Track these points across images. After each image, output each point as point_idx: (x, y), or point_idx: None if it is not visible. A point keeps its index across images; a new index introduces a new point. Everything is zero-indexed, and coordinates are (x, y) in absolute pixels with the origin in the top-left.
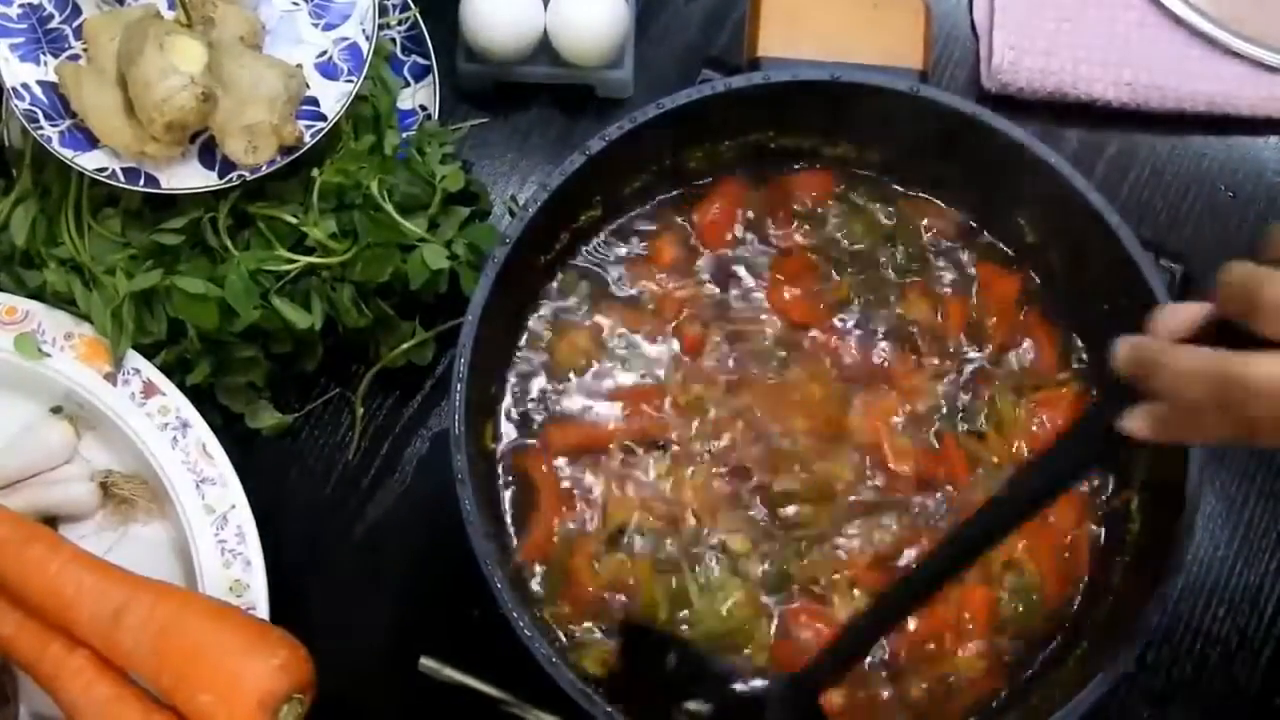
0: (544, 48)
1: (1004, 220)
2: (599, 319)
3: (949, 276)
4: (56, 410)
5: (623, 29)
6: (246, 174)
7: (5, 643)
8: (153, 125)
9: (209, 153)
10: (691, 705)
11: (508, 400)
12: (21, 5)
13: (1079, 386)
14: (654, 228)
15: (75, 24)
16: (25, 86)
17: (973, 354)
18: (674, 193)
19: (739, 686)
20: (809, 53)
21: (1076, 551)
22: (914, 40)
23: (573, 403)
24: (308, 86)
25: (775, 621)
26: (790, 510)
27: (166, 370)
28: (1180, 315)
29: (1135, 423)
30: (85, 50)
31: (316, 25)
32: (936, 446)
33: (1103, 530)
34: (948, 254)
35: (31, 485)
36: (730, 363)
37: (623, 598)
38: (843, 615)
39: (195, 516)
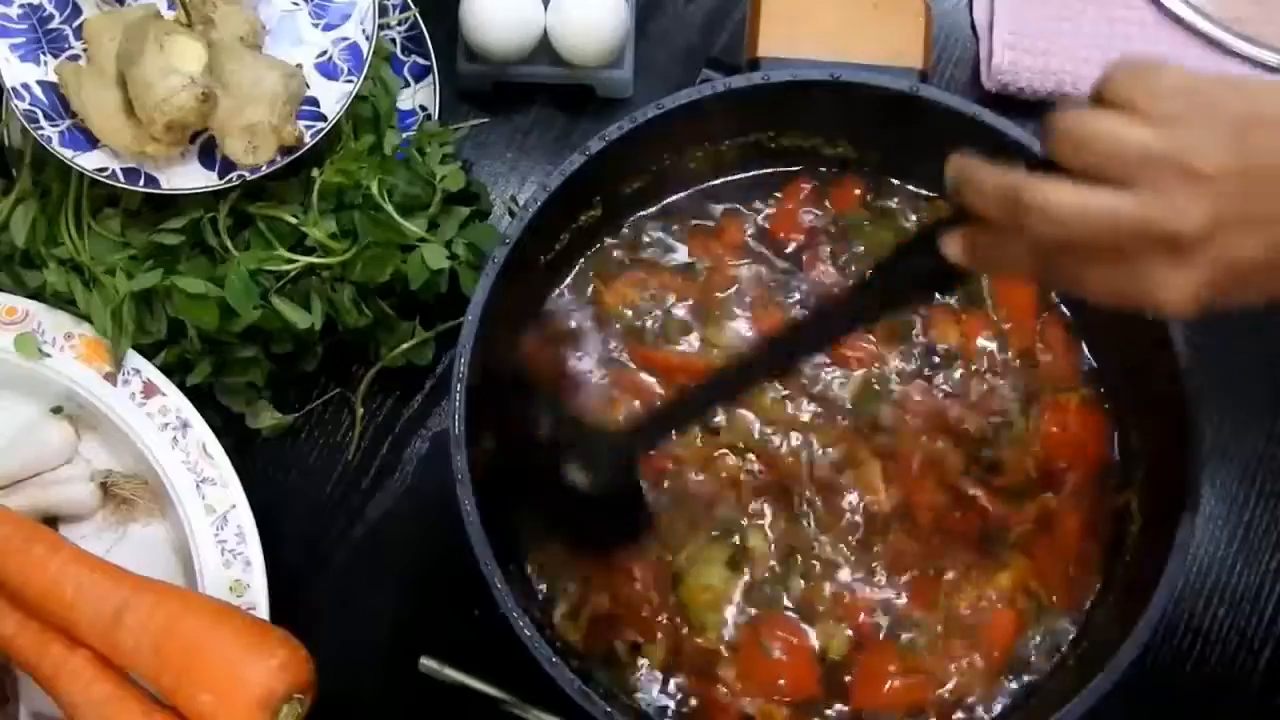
0: (544, 48)
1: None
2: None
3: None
4: (56, 410)
5: (623, 29)
6: (246, 174)
7: (5, 643)
8: (153, 125)
9: (209, 153)
10: (571, 470)
11: None
12: (21, 5)
13: (1088, 392)
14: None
15: (75, 24)
16: (25, 86)
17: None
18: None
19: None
20: (809, 53)
21: (1083, 566)
22: (914, 40)
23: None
24: (308, 86)
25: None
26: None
27: (166, 370)
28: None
29: (952, 246)
30: (85, 50)
31: (316, 25)
32: (970, 494)
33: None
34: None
35: (31, 485)
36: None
37: None
38: (815, 643)
39: (195, 516)
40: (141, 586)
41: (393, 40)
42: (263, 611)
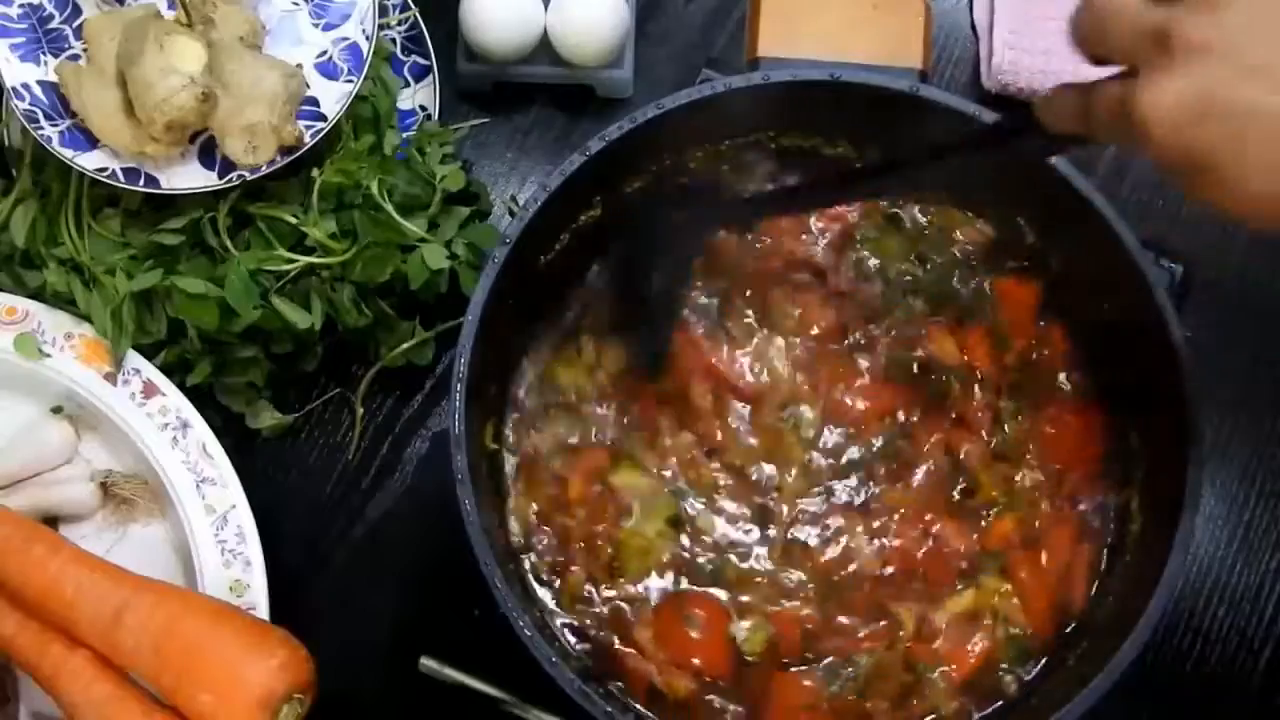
0: (544, 48)
1: (1008, 222)
2: None
3: (964, 292)
4: (56, 410)
5: (623, 29)
6: (246, 174)
7: (5, 643)
8: (153, 125)
9: (209, 153)
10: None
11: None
12: (21, 5)
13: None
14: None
15: (75, 24)
16: (25, 86)
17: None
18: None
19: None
20: (809, 53)
21: (1072, 579)
22: (914, 40)
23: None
24: (308, 86)
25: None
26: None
27: (166, 370)
28: None
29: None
30: (85, 50)
31: (316, 25)
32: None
33: (1104, 541)
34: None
35: (32, 485)
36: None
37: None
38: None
39: (195, 516)
40: (141, 586)
41: (393, 40)
42: (263, 611)
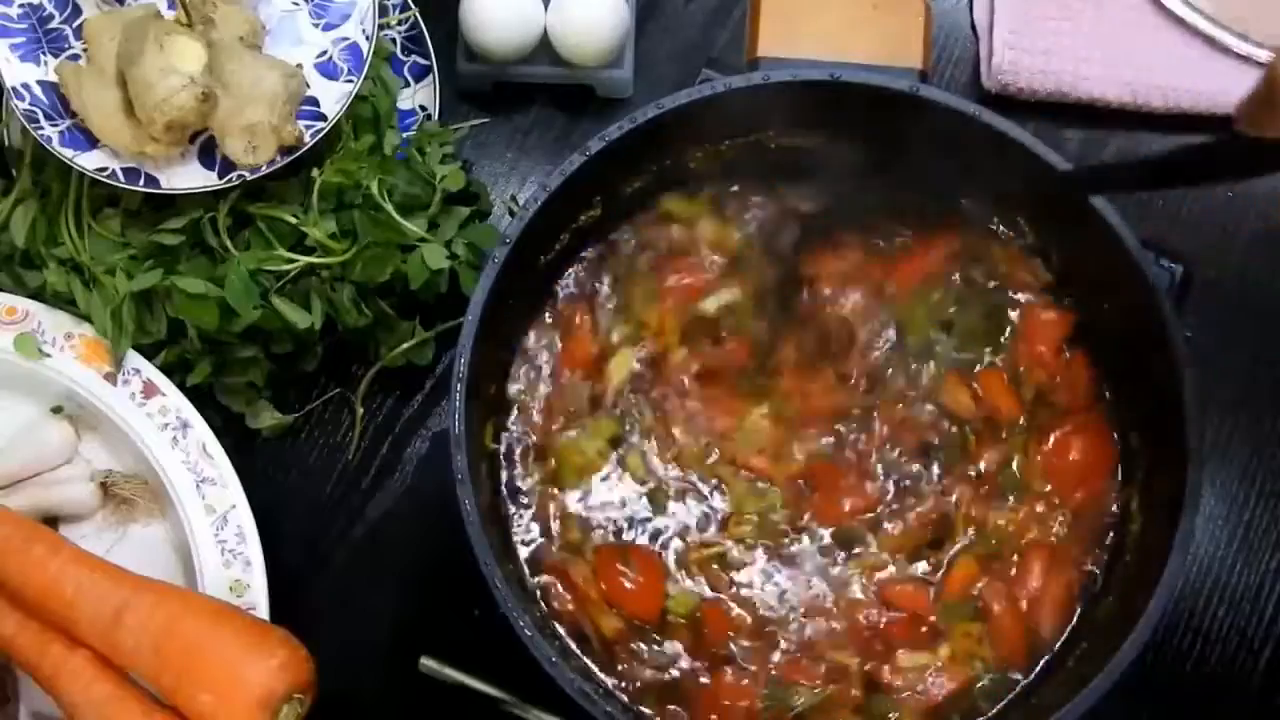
0: (544, 48)
1: (1008, 222)
2: None
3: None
4: (56, 410)
5: (623, 29)
6: (246, 174)
7: (5, 643)
8: (153, 125)
9: (209, 153)
10: None
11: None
12: (21, 5)
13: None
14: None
15: (75, 24)
16: (25, 86)
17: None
18: None
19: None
20: (809, 53)
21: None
22: (914, 40)
23: None
24: (308, 86)
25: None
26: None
27: (166, 370)
28: None
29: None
30: (85, 50)
31: (316, 25)
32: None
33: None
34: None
35: (32, 485)
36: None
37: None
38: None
39: (195, 516)
40: (141, 586)
41: (393, 40)
42: (263, 611)
